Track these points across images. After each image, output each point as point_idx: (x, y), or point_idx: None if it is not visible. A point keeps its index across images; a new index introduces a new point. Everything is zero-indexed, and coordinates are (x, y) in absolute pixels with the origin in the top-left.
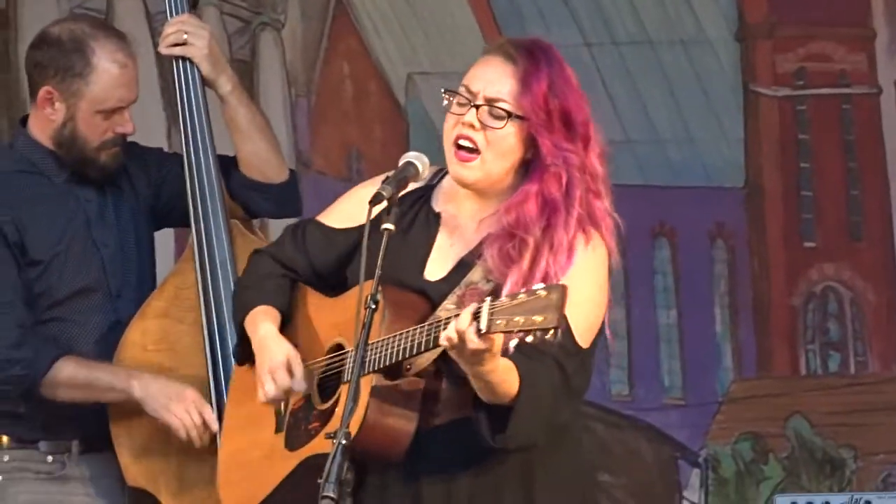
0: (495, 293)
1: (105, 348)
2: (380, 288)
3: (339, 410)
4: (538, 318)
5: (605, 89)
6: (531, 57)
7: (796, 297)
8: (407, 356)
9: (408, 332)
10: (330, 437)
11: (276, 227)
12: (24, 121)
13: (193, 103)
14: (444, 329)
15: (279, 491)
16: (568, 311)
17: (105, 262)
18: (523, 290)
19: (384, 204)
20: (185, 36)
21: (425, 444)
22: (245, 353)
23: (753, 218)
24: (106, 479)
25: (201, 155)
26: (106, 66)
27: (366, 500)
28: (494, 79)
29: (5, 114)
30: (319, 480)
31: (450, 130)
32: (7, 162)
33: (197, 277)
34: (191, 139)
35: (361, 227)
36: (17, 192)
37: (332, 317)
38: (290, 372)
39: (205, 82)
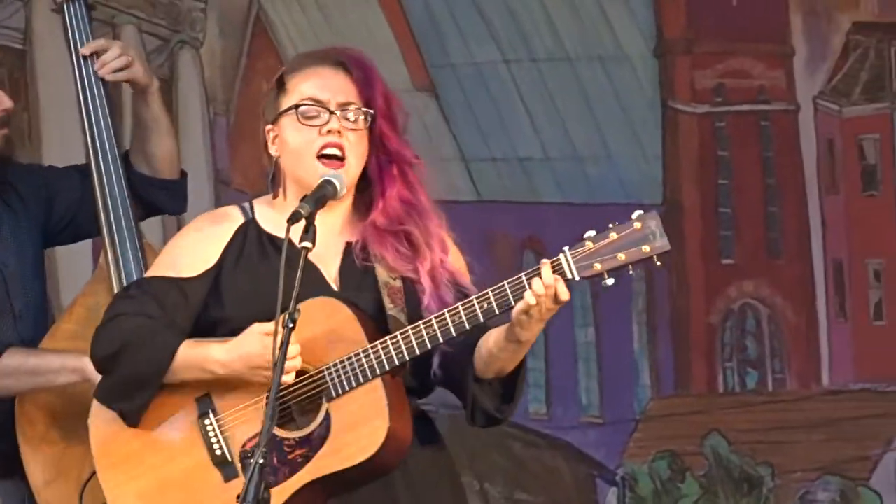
0: (407, 287)
1: None
2: (298, 307)
3: (334, 431)
4: (646, 248)
5: (523, 106)
6: (361, 63)
7: (714, 315)
8: (452, 335)
9: (438, 315)
10: (247, 456)
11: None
12: None
13: (101, 122)
14: (511, 292)
15: None
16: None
17: (7, 283)
18: (609, 227)
19: (302, 222)
20: (130, 59)
21: None
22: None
23: (671, 235)
24: None
25: (112, 172)
26: None
27: None
28: (337, 86)
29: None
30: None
31: (307, 143)
32: None
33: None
34: (100, 159)
35: (213, 268)
36: None
37: None
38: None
39: (136, 88)
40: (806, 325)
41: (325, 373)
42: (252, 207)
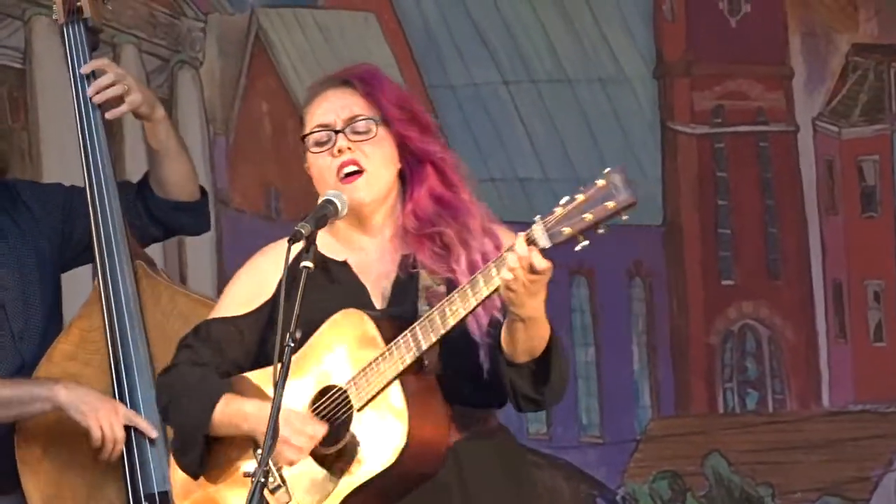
0: (449, 290)
1: None
2: (298, 330)
3: (362, 441)
4: (611, 204)
5: (523, 127)
6: (364, 75)
7: (714, 335)
8: (452, 324)
9: (438, 306)
10: (248, 475)
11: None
12: None
13: (97, 144)
14: (496, 271)
15: None
16: None
17: (5, 305)
18: (579, 191)
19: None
20: (126, 88)
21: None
22: (202, 465)
23: (671, 256)
24: None
25: (106, 196)
26: None
27: None
28: (341, 103)
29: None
30: None
31: (327, 169)
32: None
33: (104, 320)
34: (95, 182)
35: (269, 300)
36: None
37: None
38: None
39: (139, 117)
40: (806, 345)
41: (350, 384)
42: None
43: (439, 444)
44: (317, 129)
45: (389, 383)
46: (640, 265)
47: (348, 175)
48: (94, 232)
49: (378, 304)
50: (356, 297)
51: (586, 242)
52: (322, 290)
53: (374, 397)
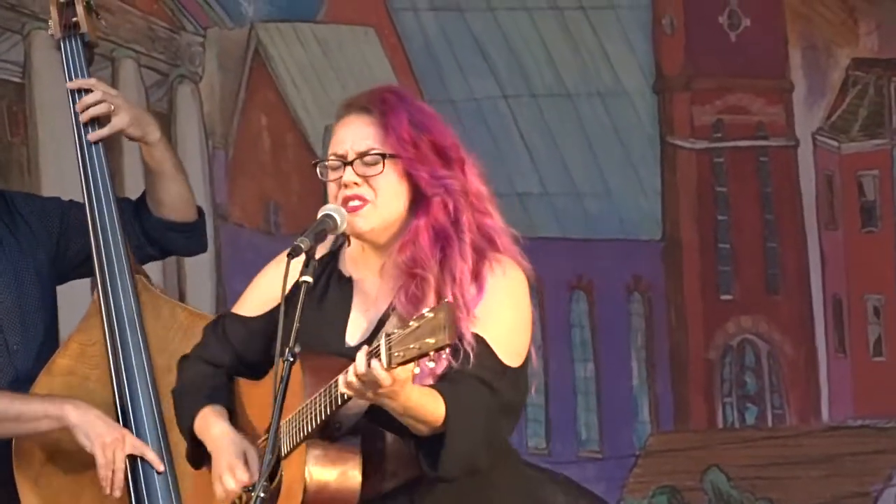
0: None
1: None
2: (297, 344)
3: (284, 486)
4: (430, 341)
5: (522, 141)
6: (384, 102)
7: (713, 350)
8: (325, 415)
9: (324, 389)
10: (248, 490)
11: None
12: None
13: (95, 160)
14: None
15: None
16: (487, 334)
17: (2, 318)
18: (420, 315)
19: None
20: (112, 108)
21: None
22: (198, 456)
23: (670, 270)
24: None
25: (105, 211)
26: None
27: None
28: (356, 134)
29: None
30: None
31: (333, 196)
32: None
33: (105, 334)
34: (94, 197)
35: (278, 307)
36: None
37: (264, 398)
38: (248, 467)
39: (132, 139)
40: (805, 360)
41: (284, 429)
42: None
43: (347, 494)
44: (331, 158)
45: (299, 444)
46: (639, 280)
47: (352, 209)
48: (94, 246)
49: (356, 336)
50: (329, 326)
51: (416, 370)
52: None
53: (291, 451)
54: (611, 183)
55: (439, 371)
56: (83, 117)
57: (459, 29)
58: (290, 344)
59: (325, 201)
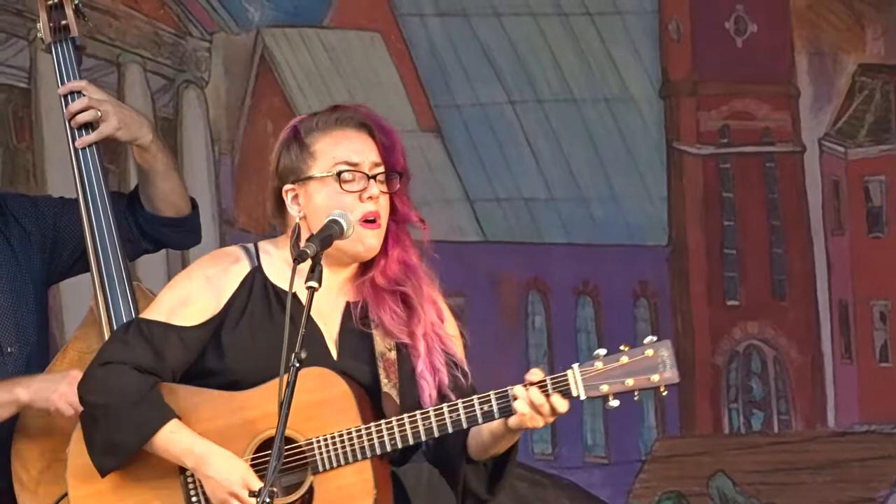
0: (401, 357)
1: None
2: (303, 349)
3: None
4: (655, 378)
5: (528, 146)
6: (380, 127)
7: (719, 356)
8: (451, 431)
9: (436, 409)
10: (254, 495)
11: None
12: None
13: (89, 164)
14: (513, 400)
15: None
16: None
17: None
18: (621, 350)
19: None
20: (99, 114)
21: None
22: (118, 465)
23: (677, 276)
24: None
25: (101, 216)
26: None
27: None
28: (366, 149)
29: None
30: None
31: (347, 207)
32: None
33: (103, 341)
34: (90, 202)
35: (217, 315)
36: None
37: (247, 412)
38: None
39: (120, 142)
40: (811, 366)
41: (315, 445)
42: (258, 253)
43: None
44: (346, 167)
45: (362, 460)
46: (645, 286)
47: (369, 221)
48: (91, 253)
49: (333, 350)
50: (311, 332)
51: (616, 403)
52: (273, 318)
53: (338, 467)
54: (617, 188)
55: (445, 384)
56: (72, 123)
57: (466, 34)
58: (297, 350)
59: None
